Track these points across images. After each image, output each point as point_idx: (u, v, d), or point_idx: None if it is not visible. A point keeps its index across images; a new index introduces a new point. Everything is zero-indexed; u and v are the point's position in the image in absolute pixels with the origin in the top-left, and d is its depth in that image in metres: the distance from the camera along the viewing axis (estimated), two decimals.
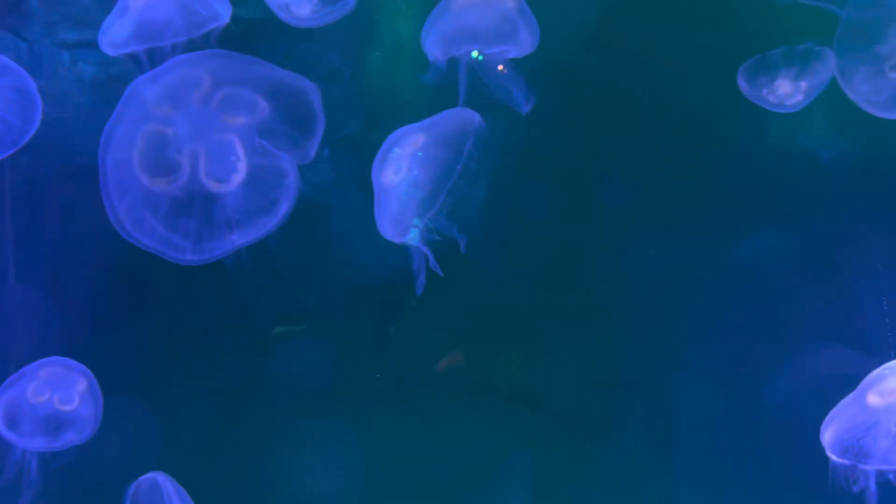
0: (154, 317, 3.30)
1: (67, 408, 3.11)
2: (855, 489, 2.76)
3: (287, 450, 3.26)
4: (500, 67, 3.05)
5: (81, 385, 3.12)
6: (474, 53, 3.11)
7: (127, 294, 3.27)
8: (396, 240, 3.01)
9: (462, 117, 2.99)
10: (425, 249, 3.01)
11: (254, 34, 2.86)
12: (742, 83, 3.19)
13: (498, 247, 3.16)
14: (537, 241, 3.33)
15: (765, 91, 3.19)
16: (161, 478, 3.06)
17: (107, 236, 2.86)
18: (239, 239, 2.88)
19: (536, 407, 3.34)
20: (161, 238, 2.87)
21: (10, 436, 3.08)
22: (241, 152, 2.82)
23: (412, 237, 3.00)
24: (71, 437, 3.11)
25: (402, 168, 3.00)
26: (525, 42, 3.03)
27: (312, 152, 2.86)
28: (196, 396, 3.30)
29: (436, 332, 3.32)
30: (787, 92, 3.18)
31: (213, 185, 2.84)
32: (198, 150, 2.82)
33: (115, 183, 2.83)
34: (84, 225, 3.22)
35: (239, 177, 2.85)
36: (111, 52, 2.94)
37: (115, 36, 2.92)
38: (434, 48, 3.04)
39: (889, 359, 2.85)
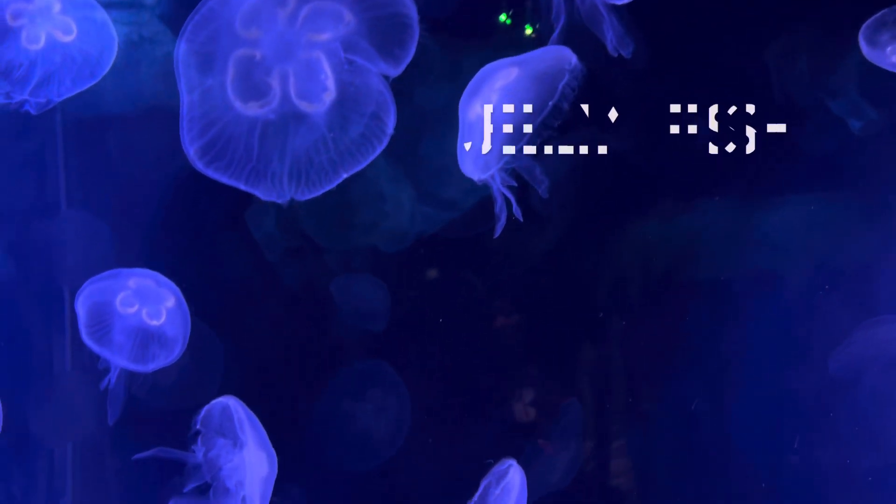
0: (221, 250, 3.33)
1: (155, 322, 3.16)
2: None
3: (347, 390, 3.27)
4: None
5: (170, 301, 3.17)
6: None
7: (194, 224, 3.31)
8: (476, 176, 2.95)
9: (559, 55, 2.91)
10: (506, 191, 2.94)
11: None
12: (863, 43, 2.96)
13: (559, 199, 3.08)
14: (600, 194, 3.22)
15: (889, 49, 2.95)
16: (233, 402, 3.08)
17: (174, 171, 2.93)
18: (341, 164, 2.89)
19: (593, 366, 3.21)
20: (255, 164, 2.89)
21: (96, 346, 3.15)
22: (328, 70, 2.83)
23: (493, 175, 2.94)
24: (160, 358, 3.14)
25: (491, 101, 2.95)
26: None
27: (401, 69, 2.83)
28: (267, 330, 3.32)
29: (496, 282, 3.25)
30: None
31: (305, 106, 2.85)
32: (287, 71, 2.84)
33: (200, 112, 2.85)
34: (145, 161, 3.26)
35: (331, 95, 2.86)
36: None
37: None
38: None
39: None
